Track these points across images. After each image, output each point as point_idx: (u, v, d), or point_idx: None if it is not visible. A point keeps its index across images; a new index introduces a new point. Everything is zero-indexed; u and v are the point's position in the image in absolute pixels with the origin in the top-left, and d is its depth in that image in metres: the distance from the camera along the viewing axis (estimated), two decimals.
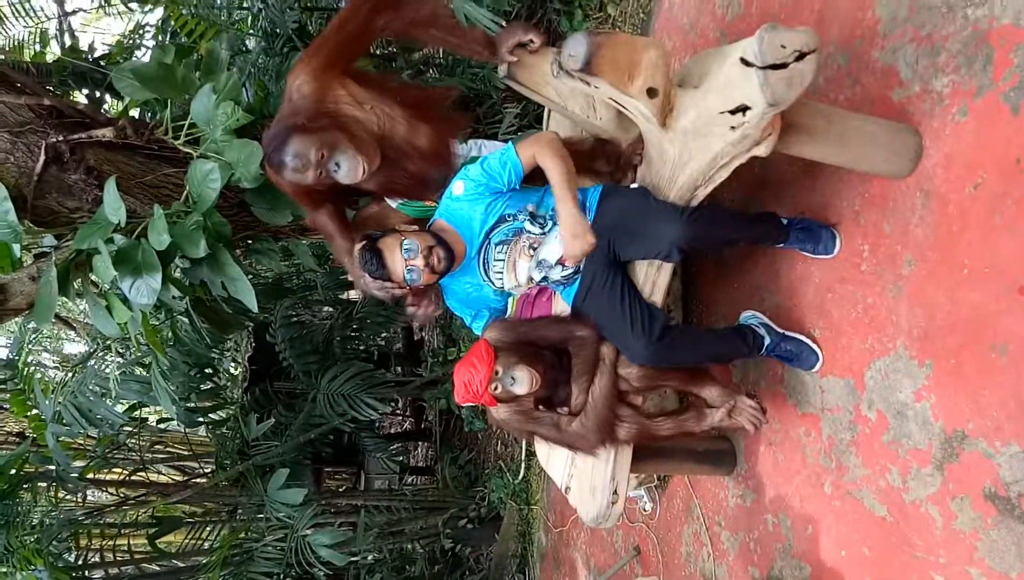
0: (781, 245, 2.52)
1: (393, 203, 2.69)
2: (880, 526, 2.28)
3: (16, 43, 4.70)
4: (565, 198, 2.24)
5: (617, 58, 1.90)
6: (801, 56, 1.72)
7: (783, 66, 1.71)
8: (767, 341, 2.56)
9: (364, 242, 2.37)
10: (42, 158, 2.72)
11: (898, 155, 2.13)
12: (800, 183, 2.61)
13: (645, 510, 3.79)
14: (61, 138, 2.73)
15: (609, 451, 2.55)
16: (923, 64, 2.14)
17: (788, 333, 2.60)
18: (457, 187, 2.42)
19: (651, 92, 1.96)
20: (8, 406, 5.75)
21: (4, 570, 3.80)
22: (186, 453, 7.67)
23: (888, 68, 2.26)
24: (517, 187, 2.42)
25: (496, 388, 2.42)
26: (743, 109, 1.84)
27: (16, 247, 2.73)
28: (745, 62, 1.78)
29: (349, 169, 2.25)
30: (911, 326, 2.18)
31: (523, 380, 2.39)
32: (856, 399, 2.39)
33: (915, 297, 2.17)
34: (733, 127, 1.89)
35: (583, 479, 2.74)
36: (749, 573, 2.92)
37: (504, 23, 3.43)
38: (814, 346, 2.54)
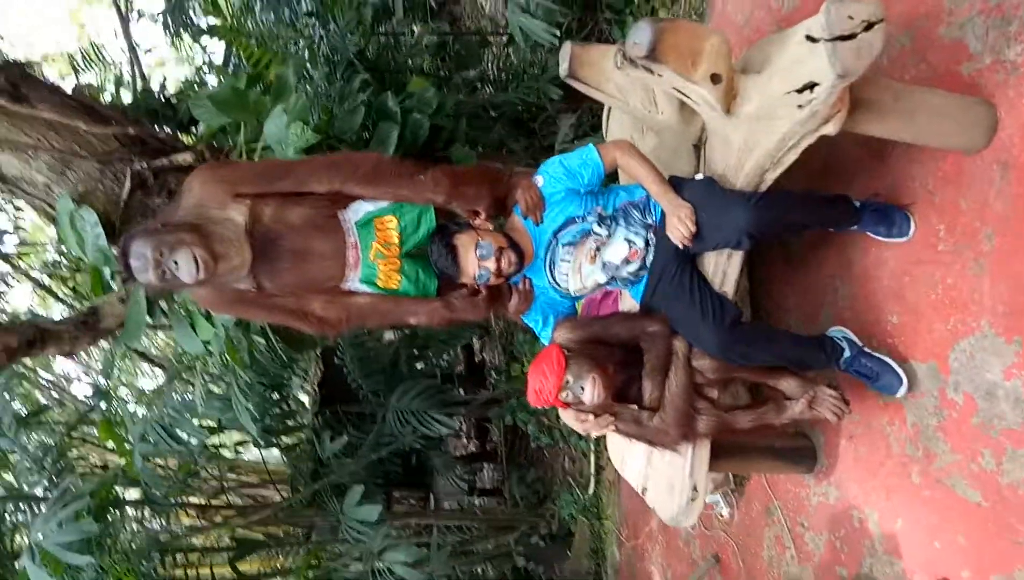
0: (854, 229, 2.48)
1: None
2: (975, 513, 2.20)
3: (93, 88, 4.91)
4: (663, 191, 2.33)
5: (680, 45, 1.93)
6: (869, 26, 1.72)
7: (851, 37, 1.71)
8: (846, 354, 2.48)
9: (440, 234, 2.37)
10: (128, 185, 2.88)
11: (971, 128, 2.10)
12: (869, 166, 2.57)
13: (722, 516, 3.71)
14: (145, 165, 2.88)
15: (687, 447, 2.53)
16: (993, 35, 2.11)
17: (871, 351, 2.51)
18: (537, 181, 2.43)
19: (715, 78, 1.98)
20: (91, 436, 6.01)
21: None
22: (257, 481, 7.84)
23: (956, 43, 2.22)
24: (596, 189, 2.44)
25: (567, 395, 2.42)
26: (811, 86, 1.84)
27: (107, 271, 2.88)
28: (811, 39, 1.79)
29: (185, 265, 2.10)
30: (996, 303, 2.11)
31: (591, 390, 2.38)
32: (941, 383, 2.32)
33: (999, 273, 2.11)
34: (800, 105, 1.89)
35: (660, 478, 2.72)
36: (837, 573, 2.83)
37: (558, 34, 3.49)
38: (898, 370, 2.42)
